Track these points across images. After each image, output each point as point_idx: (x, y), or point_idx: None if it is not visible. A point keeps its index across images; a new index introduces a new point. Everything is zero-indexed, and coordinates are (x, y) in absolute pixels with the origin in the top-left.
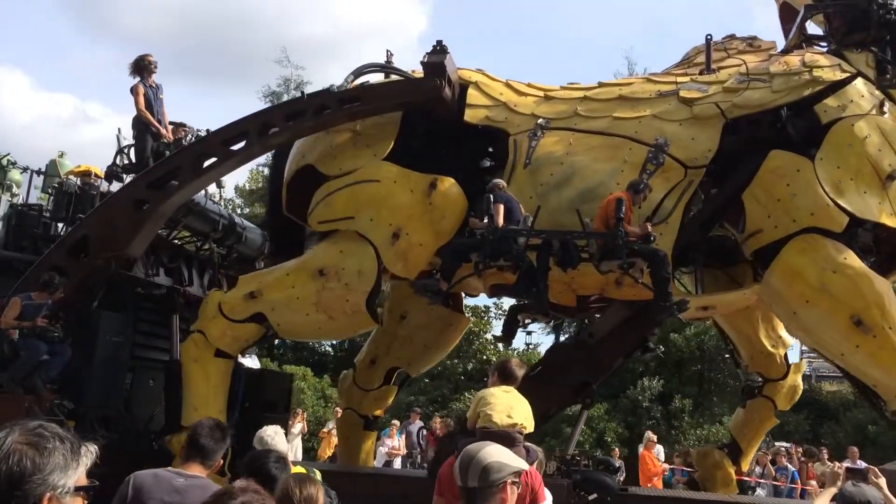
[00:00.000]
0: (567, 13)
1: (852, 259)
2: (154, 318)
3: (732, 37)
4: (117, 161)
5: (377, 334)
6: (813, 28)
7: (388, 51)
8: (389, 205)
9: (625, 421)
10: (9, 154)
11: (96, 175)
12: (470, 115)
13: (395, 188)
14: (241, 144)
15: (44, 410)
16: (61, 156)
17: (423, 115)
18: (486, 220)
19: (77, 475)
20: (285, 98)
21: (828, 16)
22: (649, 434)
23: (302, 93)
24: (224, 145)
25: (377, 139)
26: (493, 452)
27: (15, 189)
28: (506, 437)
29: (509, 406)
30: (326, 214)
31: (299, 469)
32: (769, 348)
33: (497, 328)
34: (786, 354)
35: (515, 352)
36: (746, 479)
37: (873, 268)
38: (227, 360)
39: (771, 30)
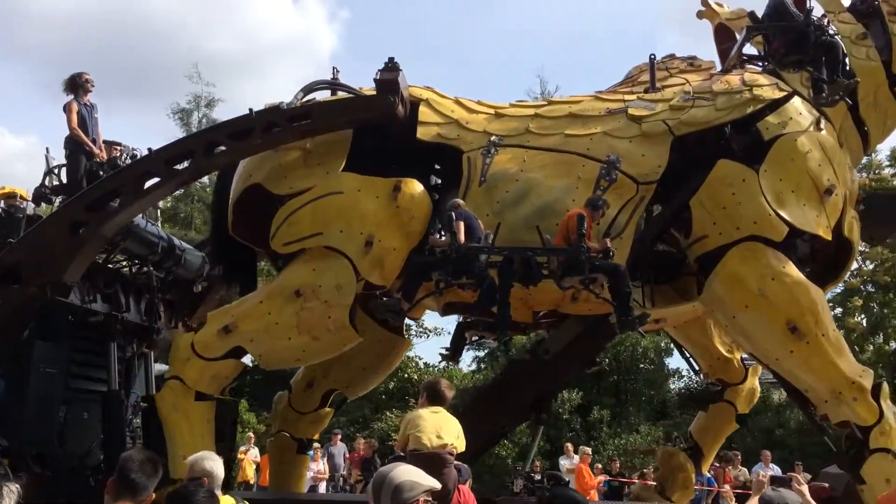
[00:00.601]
0: (479, 33)
1: (790, 268)
2: (89, 347)
3: (672, 56)
4: (46, 182)
5: None
6: (748, 48)
7: (334, 68)
8: (358, 214)
9: (546, 434)
10: None
11: (22, 197)
12: (422, 133)
13: (360, 196)
14: (186, 164)
15: None
16: None
17: (374, 132)
18: (445, 238)
19: None
20: (195, 115)
21: (767, 37)
22: (584, 448)
23: (250, 110)
24: (167, 164)
25: (329, 157)
26: (405, 472)
27: None
28: (436, 458)
29: (438, 427)
30: (291, 234)
31: (228, 499)
32: (725, 354)
33: (419, 346)
34: (742, 358)
35: (436, 368)
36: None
37: (809, 278)
38: (209, 402)
39: (673, 49)
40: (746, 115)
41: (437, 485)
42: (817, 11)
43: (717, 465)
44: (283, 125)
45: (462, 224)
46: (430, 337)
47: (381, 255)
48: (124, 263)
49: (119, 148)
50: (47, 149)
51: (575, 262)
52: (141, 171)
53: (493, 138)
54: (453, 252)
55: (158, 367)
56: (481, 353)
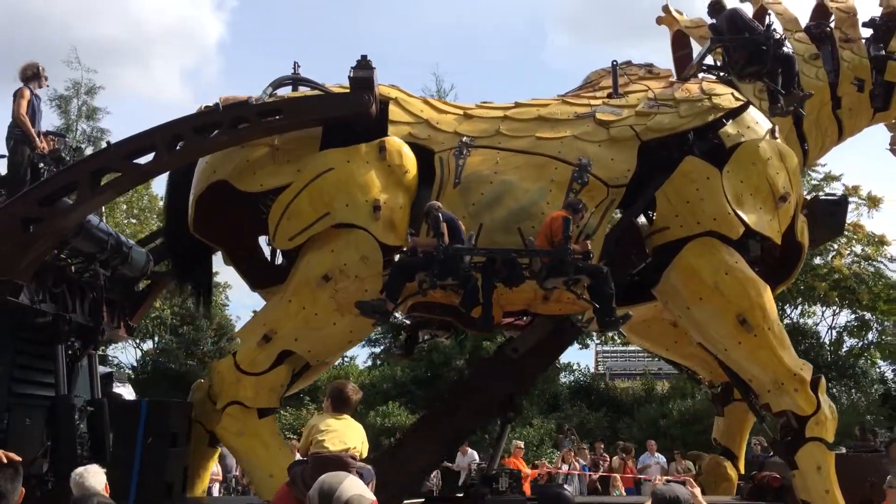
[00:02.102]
0: (372, 27)
1: (743, 265)
2: (33, 350)
3: (629, 63)
4: None
5: None
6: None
7: (295, 62)
8: (357, 183)
9: None
10: None
11: None
12: (393, 132)
13: (352, 167)
14: (148, 158)
15: None
16: None
17: (343, 131)
18: (430, 239)
19: None
20: (75, 102)
21: (727, 48)
22: (517, 442)
23: (217, 104)
24: (127, 159)
25: (299, 155)
26: (352, 486)
27: None
28: (338, 461)
29: (342, 432)
30: (295, 226)
31: None
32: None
33: None
34: None
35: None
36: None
37: (758, 276)
38: (273, 416)
39: (564, 50)
40: (708, 122)
41: (373, 497)
42: (776, 27)
43: (623, 456)
44: (252, 120)
45: (445, 225)
46: None
47: (391, 217)
48: (68, 261)
49: (53, 139)
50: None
51: (560, 264)
52: (98, 165)
53: (464, 139)
54: (441, 253)
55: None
56: (377, 350)
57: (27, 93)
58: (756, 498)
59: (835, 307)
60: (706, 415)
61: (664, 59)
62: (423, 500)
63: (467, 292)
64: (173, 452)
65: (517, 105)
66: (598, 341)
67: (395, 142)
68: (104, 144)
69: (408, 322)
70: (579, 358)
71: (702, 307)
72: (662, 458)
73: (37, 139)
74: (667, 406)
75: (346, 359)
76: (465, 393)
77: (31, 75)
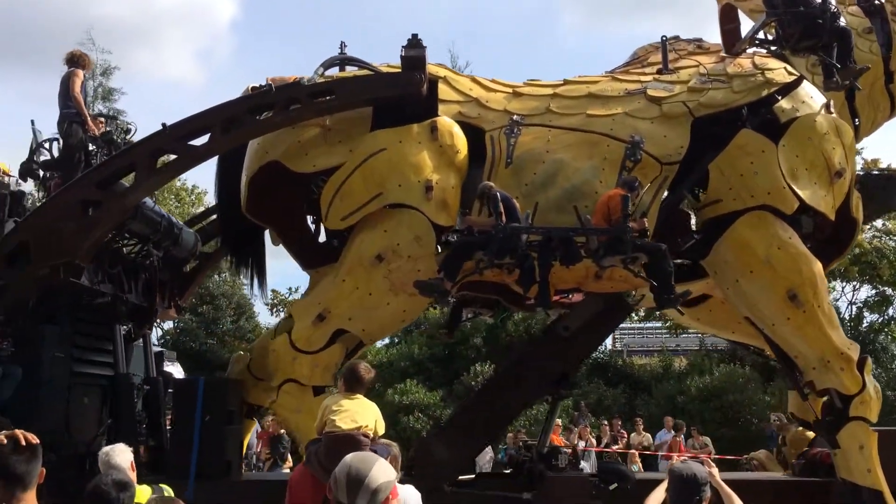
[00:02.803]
0: (386, 4)
1: (796, 240)
2: (90, 330)
3: (678, 38)
4: (35, 157)
5: (283, 325)
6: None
7: (342, 42)
8: (409, 163)
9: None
10: None
11: (5, 172)
12: (443, 111)
13: (404, 147)
14: (203, 140)
15: None
16: None
17: (393, 111)
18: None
19: None
20: (90, 84)
21: (781, 22)
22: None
23: (270, 85)
24: (182, 140)
25: (351, 135)
26: (380, 473)
27: None
28: (350, 439)
29: (354, 411)
30: (348, 206)
31: (145, 488)
32: None
33: None
34: None
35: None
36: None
37: (811, 252)
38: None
39: (577, 28)
40: (762, 97)
41: (395, 475)
42: (831, 0)
43: (673, 433)
44: (303, 101)
45: (501, 205)
46: None
47: (443, 197)
48: (123, 243)
49: (102, 121)
50: (32, 121)
51: (618, 242)
52: (155, 147)
53: (515, 117)
54: (500, 232)
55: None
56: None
57: (81, 73)
58: (808, 475)
59: (855, 282)
60: (724, 391)
61: (681, 34)
62: (473, 476)
63: (524, 271)
64: (230, 430)
65: (566, 82)
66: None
67: (446, 122)
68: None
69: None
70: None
71: (751, 280)
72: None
73: (89, 120)
74: (684, 383)
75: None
76: (518, 371)
77: (78, 60)
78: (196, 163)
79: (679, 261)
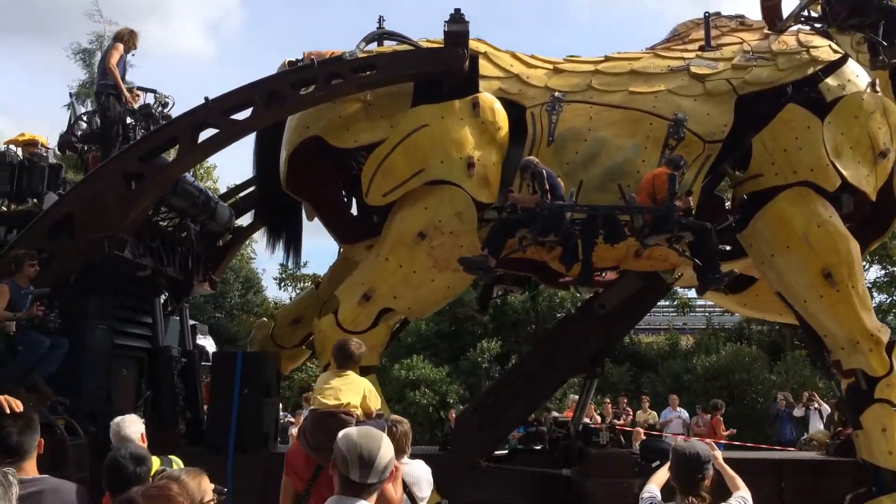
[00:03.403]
0: None
1: (836, 218)
2: (130, 303)
3: (719, 15)
4: (74, 130)
5: (308, 296)
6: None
7: (380, 17)
8: (451, 139)
9: (465, 382)
10: None
11: (42, 145)
12: (484, 87)
13: (447, 123)
14: (245, 114)
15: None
16: None
17: (433, 86)
18: (528, 196)
19: None
20: (98, 56)
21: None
22: (573, 396)
23: (312, 60)
24: (225, 114)
25: (392, 111)
26: (388, 451)
27: None
28: (332, 416)
29: (338, 388)
30: (390, 182)
31: (155, 459)
32: None
33: None
34: None
35: None
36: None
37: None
38: (373, 375)
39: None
40: (808, 75)
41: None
42: None
43: (709, 414)
44: (346, 76)
45: (546, 182)
46: None
47: (485, 173)
48: (161, 217)
49: (137, 94)
50: (70, 93)
51: (663, 221)
52: (198, 120)
53: (556, 94)
54: (546, 210)
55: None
56: None
57: (121, 47)
58: (844, 454)
59: (864, 262)
60: (730, 370)
61: (697, 10)
62: (506, 451)
63: (568, 249)
64: (267, 402)
65: (607, 59)
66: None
67: (487, 98)
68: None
69: None
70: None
71: (787, 256)
72: (685, 413)
73: (125, 92)
74: (690, 361)
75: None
76: (554, 348)
77: (121, 36)
78: (237, 137)
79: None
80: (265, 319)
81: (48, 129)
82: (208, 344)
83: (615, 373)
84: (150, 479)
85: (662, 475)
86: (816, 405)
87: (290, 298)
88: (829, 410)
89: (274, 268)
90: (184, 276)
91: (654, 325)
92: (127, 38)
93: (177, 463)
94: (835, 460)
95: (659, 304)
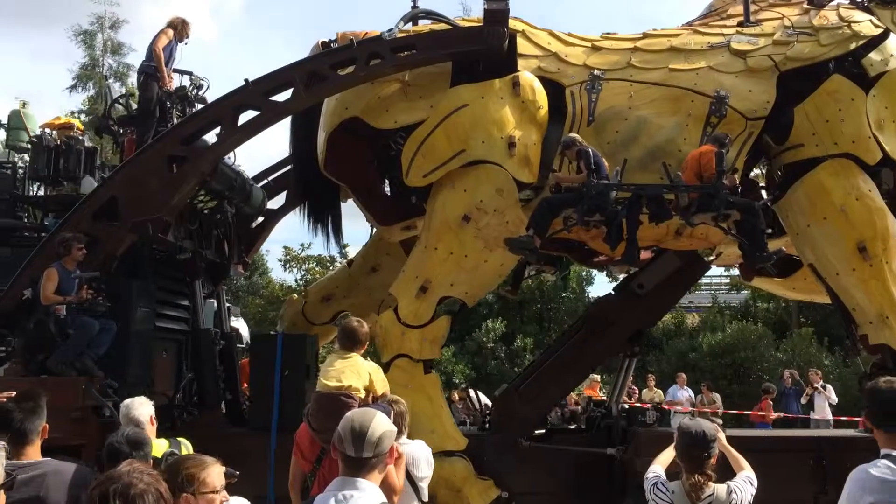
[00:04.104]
0: None
1: (875, 193)
2: (169, 286)
3: None
4: (111, 113)
5: (340, 274)
6: None
7: None
8: (492, 119)
9: (471, 362)
10: None
11: (78, 129)
12: (523, 66)
13: (487, 102)
14: (286, 95)
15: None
16: (24, 105)
17: (470, 65)
18: (572, 175)
19: None
20: (100, 37)
21: None
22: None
23: (351, 40)
24: (266, 96)
25: (431, 91)
26: (381, 423)
27: None
28: (333, 398)
29: (340, 370)
30: (430, 163)
31: (162, 442)
32: None
33: None
34: None
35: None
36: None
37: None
38: (436, 374)
39: None
40: (849, 50)
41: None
42: None
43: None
44: (386, 56)
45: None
46: None
47: (526, 153)
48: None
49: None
50: (106, 77)
51: (710, 200)
52: (239, 102)
53: (595, 72)
54: (592, 189)
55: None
56: None
57: (170, 32)
58: None
59: None
60: (735, 348)
61: None
62: (543, 430)
63: (613, 229)
64: (307, 384)
65: (646, 35)
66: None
67: (527, 77)
68: (132, 80)
69: None
70: (608, 292)
71: (822, 227)
72: (690, 392)
73: (165, 77)
74: (696, 339)
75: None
76: (592, 328)
77: (173, 22)
78: (278, 119)
79: None
80: (295, 296)
81: (50, 112)
82: (241, 326)
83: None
84: (150, 462)
85: (667, 455)
86: (819, 387)
87: (295, 280)
88: (832, 391)
89: (278, 249)
90: (220, 259)
91: None
92: (179, 27)
93: (186, 446)
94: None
95: None
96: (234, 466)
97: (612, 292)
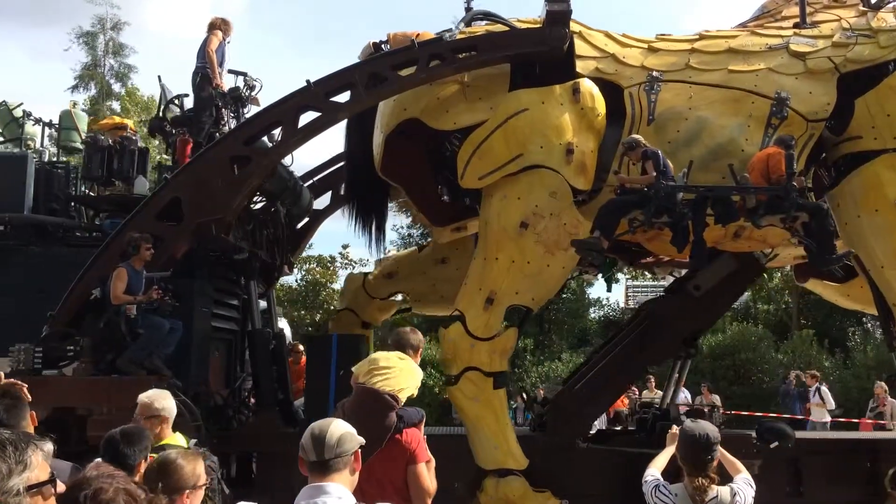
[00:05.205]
0: None
1: None
2: (223, 286)
3: None
4: (163, 113)
5: (408, 256)
6: None
7: None
8: (551, 125)
9: None
10: (22, 103)
11: (131, 129)
12: (581, 67)
13: (547, 108)
14: (346, 96)
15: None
16: (74, 106)
17: (528, 66)
18: (637, 176)
19: (26, 476)
20: (101, 39)
21: None
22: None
23: (412, 41)
24: (327, 97)
25: (491, 93)
26: (338, 428)
27: (32, 145)
28: (376, 396)
29: (390, 372)
30: (487, 165)
31: (179, 437)
32: None
33: (343, 279)
34: None
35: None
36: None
37: None
38: (504, 389)
39: None
40: None
41: (361, 441)
42: None
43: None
44: (447, 57)
45: (653, 163)
46: (356, 269)
47: (583, 160)
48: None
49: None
50: (159, 77)
51: (778, 201)
52: (300, 103)
53: (654, 73)
54: (662, 191)
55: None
56: None
57: (220, 34)
58: None
59: None
60: (736, 350)
61: None
62: (594, 432)
63: (679, 231)
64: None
65: (702, 37)
66: (627, 276)
67: (588, 84)
68: (131, 81)
69: None
70: (609, 293)
71: (873, 219)
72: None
73: (217, 77)
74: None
75: None
76: (648, 329)
77: (220, 26)
78: (337, 120)
79: None
80: (355, 272)
81: (49, 112)
82: (284, 327)
83: None
84: (145, 460)
85: (663, 459)
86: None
87: (296, 280)
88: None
89: None
90: (272, 260)
91: None
92: (223, 27)
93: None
94: None
95: (664, 283)
96: (291, 467)
97: (664, 293)
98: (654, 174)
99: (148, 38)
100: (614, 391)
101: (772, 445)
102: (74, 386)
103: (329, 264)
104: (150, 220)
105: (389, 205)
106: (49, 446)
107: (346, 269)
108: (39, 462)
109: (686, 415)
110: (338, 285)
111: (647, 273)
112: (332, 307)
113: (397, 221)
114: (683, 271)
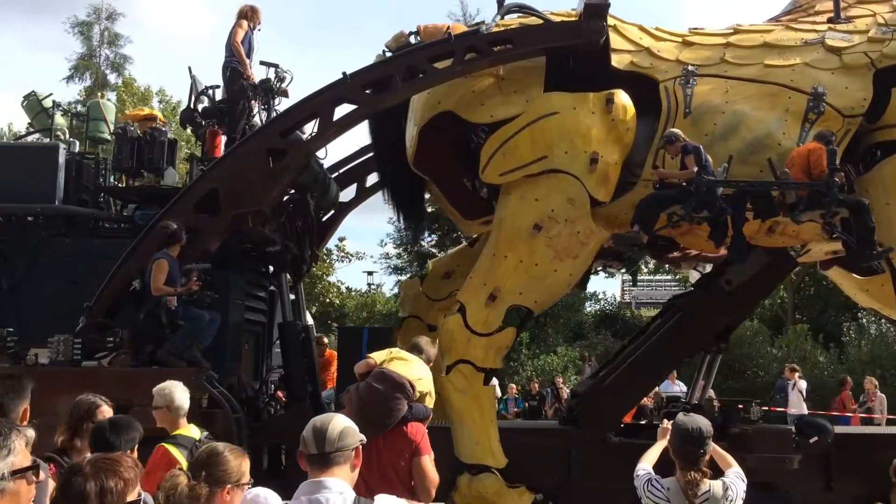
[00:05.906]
0: None
1: None
2: (256, 279)
3: None
4: (194, 105)
5: (460, 251)
6: None
7: None
8: (579, 132)
9: None
10: (52, 94)
11: (161, 121)
12: (616, 61)
13: (577, 114)
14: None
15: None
16: (102, 97)
17: (564, 61)
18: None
19: (10, 461)
20: (97, 28)
21: None
22: None
23: (448, 34)
24: (363, 90)
25: (526, 86)
26: (339, 422)
27: (62, 136)
28: (394, 379)
29: (407, 362)
30: (510, 163)
31: (194, 429)
32: None
33: (340, 271)
34: None
35: (358, 293)
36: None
37: None
38: (493, 386)
39: None
40: None
41: (363, 438)
42: None
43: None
44: (483, 50)
45: (692, 157)
46: (353, 262)
47: (606, 171)
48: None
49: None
50: (189, 67)
51: (819, 197)
52: (337, 95)
53: (689, 67)
54: (703, 186)
55: None
56: (403, 278)
57: (245, 24)
58: None
59: None
60: (731, 344)
61: None
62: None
63: (718, 226)
64: None
65: (737, 31)
66: (623, 270)
67: (622, 97)
68: (127, 71)
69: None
70: (605, 287)
71: None
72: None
73: (248, 69)
74: None
75: (372, 287)
76: (679, 324)
77: (247, 14)
78: (374, 112)
79: None
80: (411, 279)
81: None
82: (309, 320)
83: (616, 347)
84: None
85: (655, 453)
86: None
87: None
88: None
89: None
90: (300, 252)
91: (656, 300)
92: (250, 16)
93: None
94: None
95: (660, 277)
96: None
97: (694, 287)
98: (696, 169)
99: (145, 32)
100: (645, 385)
101: (811, 440)
102: (115, 377)
103: (325, 257)
104: (187, 210)
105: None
106: (31, 433)
107: (343, 262)
108: (22, 448)
109: (719, 411)
110: (333, 278)
111: (643, 266)
112: (327, 300)
113: (394, 216)
114: (708, 266)
